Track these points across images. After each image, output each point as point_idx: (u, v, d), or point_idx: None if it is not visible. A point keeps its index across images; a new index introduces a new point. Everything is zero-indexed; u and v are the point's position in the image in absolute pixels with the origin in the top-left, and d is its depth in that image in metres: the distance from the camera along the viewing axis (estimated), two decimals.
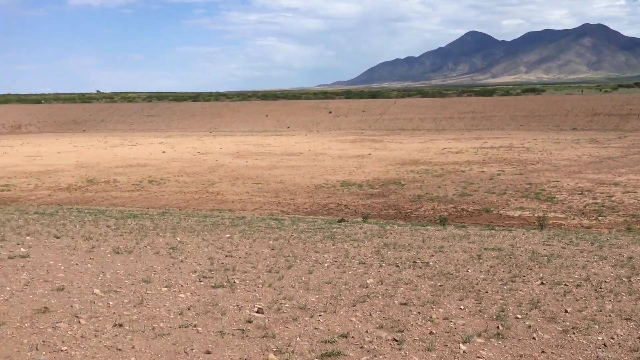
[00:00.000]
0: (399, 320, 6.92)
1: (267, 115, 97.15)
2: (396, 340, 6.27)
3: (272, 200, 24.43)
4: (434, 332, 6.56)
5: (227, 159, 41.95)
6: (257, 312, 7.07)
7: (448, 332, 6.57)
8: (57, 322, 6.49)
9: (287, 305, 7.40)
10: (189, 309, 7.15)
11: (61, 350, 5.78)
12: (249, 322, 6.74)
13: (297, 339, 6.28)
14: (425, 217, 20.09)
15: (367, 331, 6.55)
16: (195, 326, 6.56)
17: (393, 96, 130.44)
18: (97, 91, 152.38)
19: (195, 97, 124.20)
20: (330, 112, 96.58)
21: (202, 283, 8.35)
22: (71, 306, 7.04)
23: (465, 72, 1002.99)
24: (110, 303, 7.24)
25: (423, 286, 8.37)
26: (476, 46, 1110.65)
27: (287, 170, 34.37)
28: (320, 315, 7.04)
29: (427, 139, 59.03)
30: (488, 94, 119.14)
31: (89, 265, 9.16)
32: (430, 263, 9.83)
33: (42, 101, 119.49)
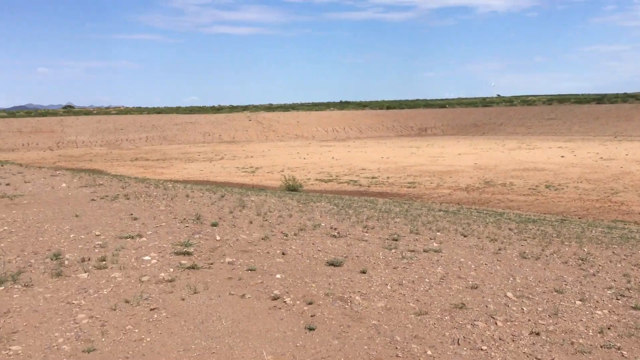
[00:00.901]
0: None
1: None
2: None
3: None
4: None
5: (634, 166, 38.00)
6: None
7: None
8: (474, 320, 6.74)
9: None
10: (609, 328, 6.61)
11: (481, 350, 5.96)
12: None
13: None
14: None
15: None
16: (619, 349, 6.03)
17: None
18: (498, 95, 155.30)
19: (600, 99, 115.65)
20: None
21: (619, 302, 7.65)
22: (486, 306, 7.24)
23: None
24: (524, 309, 7.19)
25: None
26: None
27: None
28: None
29: None
30: None
31: (498, 267, 9.31)
32: None
33: (446, 106, 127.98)
